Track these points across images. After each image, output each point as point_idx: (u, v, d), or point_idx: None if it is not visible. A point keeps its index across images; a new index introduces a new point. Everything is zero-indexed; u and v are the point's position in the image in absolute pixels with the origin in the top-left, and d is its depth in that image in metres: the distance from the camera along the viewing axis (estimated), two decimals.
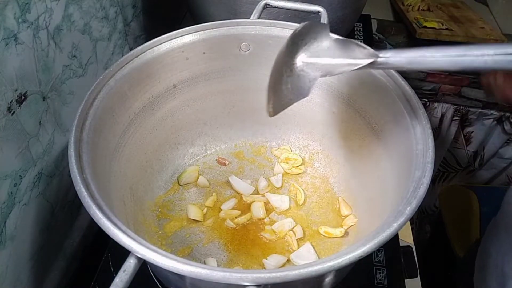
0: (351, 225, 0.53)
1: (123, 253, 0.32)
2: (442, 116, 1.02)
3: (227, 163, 0.60)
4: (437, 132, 1.05)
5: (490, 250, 0.59)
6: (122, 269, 0.31)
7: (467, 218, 0.86)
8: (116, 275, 0.31)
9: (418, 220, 1.18)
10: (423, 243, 1.00)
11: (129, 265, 0.32)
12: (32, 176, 0.45)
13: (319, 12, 0.56)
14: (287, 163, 0.60)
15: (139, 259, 0.32)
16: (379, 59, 0.34)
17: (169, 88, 0.54)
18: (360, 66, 0.34)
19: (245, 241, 0.52)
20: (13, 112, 0.41)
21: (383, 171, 0.48)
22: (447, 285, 0.70)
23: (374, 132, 0.50)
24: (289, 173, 0.60)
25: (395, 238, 0.56)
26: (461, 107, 1.00)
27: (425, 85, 1.00)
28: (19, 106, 0.41)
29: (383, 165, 0.48)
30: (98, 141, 0.42)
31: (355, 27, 0.90)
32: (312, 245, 0.51)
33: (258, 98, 0.61)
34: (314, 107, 0.58)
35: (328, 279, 0.44)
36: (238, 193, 0.57)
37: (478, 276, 0.61)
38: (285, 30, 0.53)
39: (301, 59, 0.37)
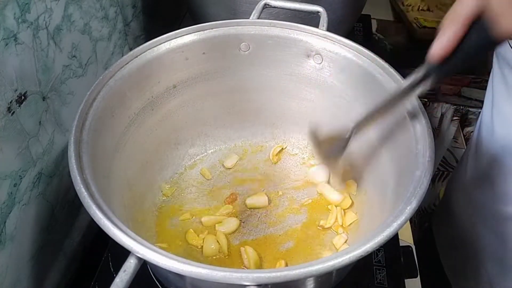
0: (351, 223, 0.53)
1: (123, 253, 0.32)
2: (442, 116, 1.02)
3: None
4: (437, 132, 1.05)
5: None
6: (122, 269, 0.31)
7: None
8: (116, 275, 0.31)
9: (418, 219, 1.18)
10: (423, 243, 1.00)
11: (129, 265, 0.32)
12: (32, 176, 0.45)
13: (318, 12, 0.56)
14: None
15: (139, 259, 0.32)
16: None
17: (169, 88, 0.54)
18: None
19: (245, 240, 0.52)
20: (13, 112, 0.41)
21: (383, 171, 0.48)
22: (447, 285, 0.70)
23: (374, 131, 0.50)
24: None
25: (395, 238, 0.56)
26: (461, 107, 1.00)
27: None
28: (19, 106, 0.41)
29: (383, 165, 0.48)
30: (98, 141, 0.42)
31: (355, 27, 0.90)
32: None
33: (258, 98, 0.61)
34: (314, 107, 0.58)
35: (328, 279, 0.44)
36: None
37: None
38: (285, 30, 0.53)
39: None
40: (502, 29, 0.30)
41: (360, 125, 0.45)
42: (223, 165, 0.61)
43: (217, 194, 0.57)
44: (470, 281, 0.62)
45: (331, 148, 0.48)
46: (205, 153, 0.62)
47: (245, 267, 0.49)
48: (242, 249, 0.50)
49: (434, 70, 0.37)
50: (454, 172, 0.71)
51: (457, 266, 0.66)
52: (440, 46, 0.34)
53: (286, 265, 0.49)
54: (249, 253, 0.49)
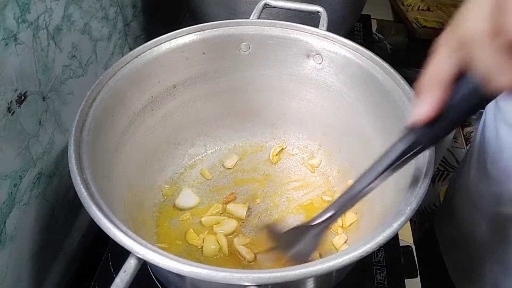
0: (351, 223, 0.53)
1: (123, 253, 0.32)
2: None
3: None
4: None
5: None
6: (122, 270, 0.31)
7: None
8: (116, 275, 0.31)
9: (418, 219, 1.18)
10: (423, 242, 1.00)
11: (130, 265, 0.32)
12: (32, 176, 0.45)
13: (318, 12, 0.56)
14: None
15: (139, 259, 0.32)
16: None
17: (169, 88, 0.54)
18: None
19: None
20: (13, 112, 0.41)
21: None
22: (447, 285, 0.70)
23: (374, 131, 0.50)
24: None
25: (395, 238, 0.56)
26: None
27: None
28: (19, 106, 0.41)
29: None
30: (98, 141, 0.42)
31: (355, 27, 0.90)
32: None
33: (258, 98, 0.61)
34: (314, 107, 0.58)
35: (328, 279, 0.44)
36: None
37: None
38: (285, 30, 0.53)
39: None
40: (497, 87, 0.27)
41: (339, 214, 0.39)
42: (223, 165, 0.61)
43: (217, 194, 0.57)
44: (474, 282, 0.62)
45: (298, 245, 0.41)
46: (205, 153, 0.62)
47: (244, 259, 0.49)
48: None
49: (420, 136, 0.33)
50: (456, 172, 0.71)
51: (461, 267, 0.66)
52: (425, 109, 0.30)
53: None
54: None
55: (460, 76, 0.29)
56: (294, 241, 0.41)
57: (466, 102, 0.30)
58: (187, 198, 0.56)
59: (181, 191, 0.56)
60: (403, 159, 0.35)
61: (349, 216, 0.53)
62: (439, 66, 0.30)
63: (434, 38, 0.33)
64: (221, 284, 0.35)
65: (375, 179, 0.36)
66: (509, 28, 0.24)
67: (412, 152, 0.34)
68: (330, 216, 0.39)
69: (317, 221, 0.39)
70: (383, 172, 0.35)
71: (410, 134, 0.34)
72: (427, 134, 0.33)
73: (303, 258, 0.40)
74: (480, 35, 0.26)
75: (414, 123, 0.32)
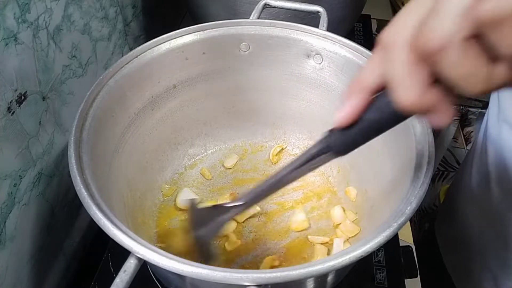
0: (351, 222, 0.53)
1: (123, 253, 0.32)
2: None
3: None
4: (437, 132, 1.05)
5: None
6: (122, 270, 0.31)
7: None
8: (116, 275, 0.31)
9: (418, 219, 1.18)
10: (423, 242, 1.00)
11: (130, 265, 0.32)
12: (32, 176, 0.45)
13: (318, 12, 0.56)
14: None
15: (139, 259, 0.32)
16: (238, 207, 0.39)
17: (169, 88, 0.54)
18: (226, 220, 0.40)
19: (245, 241, 0.52)
20: (13, 112, 0.41)
21: (383, 171, 0.48)
22: (447, 285, 0.70)
23: None
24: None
25: (395, 238, 0.56)
26: (461, 107, 1.00)
27: None
28: (19, 106, 0.41)
29: (383, 165, 0.48)
30: (98, 141, 0.42)
31: (355, 27, 0.90)
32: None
33: (258, 98, 0.61)
34: (314, 107, 0.58)
35: (328, 279, 0.44)
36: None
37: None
38: (285, 30, 0.53)
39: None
40: (400, 103, 0.24)
41: (247, 204, 0.39)
42: (223, 165, 0.61)
43: (217, 194, 0.57)
44: (474, 282, 0.62)
45: (205, 226, 0.41)
46: (205, 153, 0.62)
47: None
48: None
49: (333, 141, 0.33)
50: (458, 172, 0.71)
51: (461, 267, 0.66)
52: (343, 114, 0.29)
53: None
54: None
55: (382, 89, 0.28)
56: (204, 221, 0.41)
57: (381, 115, 0.28)
58: (187, 198, 0.56)
59: (181, 191, 0.56)
60: (315, 160, 0.35)
61: (349, 216, 0.53)
62: (366, 73, 0.28)
63: None
64: (221, 284, 0.35)
65: (289, 173, 0.36)
66: (425, 41, 0.22)
67: (323, 156, 0.34)
68: (241, 205, 0.39)
69: (229, 205, 0.40)
70: (294, 170, 0.36)
71: (327, 137, 0.34)
72: (338, 141, 0.32)
73: (205, 241, 0.41)
74: (400, 45, 0.24)
75: (335, 122, 0.31)
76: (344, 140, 0.32)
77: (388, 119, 0.29)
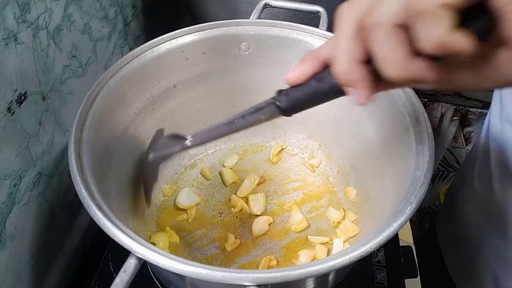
0: (351, 222, 0.53)
1: (123, 253, 0.32)
2: (442, 116, 1.02)
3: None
4: (437, 132, 1.05)
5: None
6: (122, 269, 0.31)
7: None
8: (116, 275, 0.31)
9: (418, 219, 1.18)
10: (423, 242, 1.00)
11: (130, 265, 0.32)
12: (32, 176, 0.45)
13: (318, 12, 0.56)
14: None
15: (139, 259, 0.32)
16: (187, 143, 0.43)
17: (169, 88, 0.54)
18: (175, 152, 0.44)
19: (245, 241, 0.52)
20: (13, 112, 0.41)
21: (383, 171, 0.48)
22: (447, 285, 0.70)
23: (374, 131, 0.50)
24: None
25: (395, 238, 0.56)
26: (461, 107, 1.00)
27: None
28: (19, 106, 0.41)
29: (383, 165, 0.48)
30: (98, 141, 0.42)
31: None
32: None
33: (258, 98, 0.60)
34: (314, 107, 0.58)
35: (328, 279, 0.44)
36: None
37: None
38: (285, 30, 0.53)
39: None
40: (334, 73, 0.28)
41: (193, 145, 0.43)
42: (223, 165, 0.61)
43: (217, 194, 0.57)
44: (475, 281, 0.62)
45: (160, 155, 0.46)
46: (205, 153, 0.62)
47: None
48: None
49: (279, 98, 0.36)
50: (458, 172, 0.71)
51: (462, 266, 0.66)
52: (292, 74, 0.33)
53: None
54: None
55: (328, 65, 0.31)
56: (160, 147, 0.46)
57: (323, 85, 0.32)
58: (187, 198, 0.56)
59: (181, 191, 0.56)
60: (262, 111, 0.39)
61: (349, 216, 0.53)
62: (322, 48, 0.31)
63: None
64: (221, 284, 0.35)
65: (238, 119, 0.42)
66: (365, 17, 0.25)
67: (268, 107, 0.38)
68: (188, 146, 0.42)
69: (187, 138, 0.43)
70: (243, 117, 0.42)
71: (275, 95, 0.37)
72: (284, 98, 0.35)
73: (154, 163, 0.46)
74: (348, 19, 0.26)
75: (285, 79, 0.34)
76: (288, 99, 0.35)
77: (328, 89, 0.32)
